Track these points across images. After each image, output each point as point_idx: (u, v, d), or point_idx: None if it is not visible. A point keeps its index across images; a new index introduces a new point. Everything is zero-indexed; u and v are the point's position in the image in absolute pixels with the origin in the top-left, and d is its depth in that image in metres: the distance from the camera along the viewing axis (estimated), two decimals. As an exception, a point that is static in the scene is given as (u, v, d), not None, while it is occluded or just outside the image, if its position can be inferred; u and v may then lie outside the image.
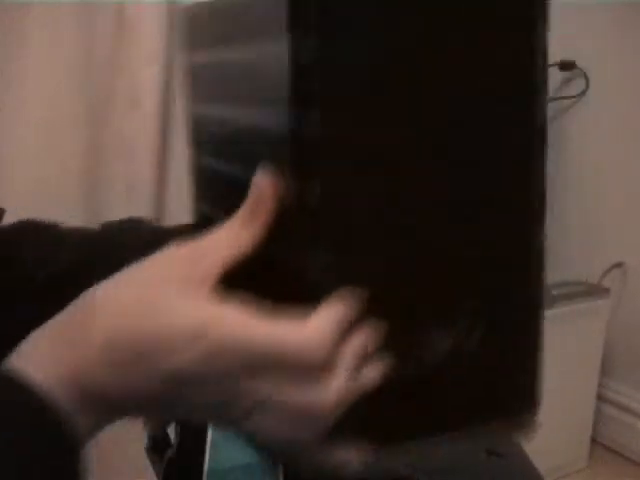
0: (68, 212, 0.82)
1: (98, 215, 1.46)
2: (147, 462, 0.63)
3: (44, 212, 0.58)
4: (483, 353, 0.42)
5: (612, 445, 1.55)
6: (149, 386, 0.35)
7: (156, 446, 0.65)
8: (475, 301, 0.42)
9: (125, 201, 1.56)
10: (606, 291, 1.47)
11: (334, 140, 0.37)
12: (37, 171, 1.39)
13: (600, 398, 1.52)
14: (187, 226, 0.56)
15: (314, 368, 0.36)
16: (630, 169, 1.54)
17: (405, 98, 0.38)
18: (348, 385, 0.37)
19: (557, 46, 1.78)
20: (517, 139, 0.41)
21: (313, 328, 0.36)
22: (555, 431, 1.41)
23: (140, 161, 1.52)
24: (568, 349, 1.38)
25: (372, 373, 0.38)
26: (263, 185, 0.38)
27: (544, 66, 0.40)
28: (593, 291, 1.46)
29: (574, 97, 1.62)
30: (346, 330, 0.37)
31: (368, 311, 0.38)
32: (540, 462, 0.60)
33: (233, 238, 0.38)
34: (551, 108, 1.65)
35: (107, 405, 0.35)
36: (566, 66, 1.60)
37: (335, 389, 0.36)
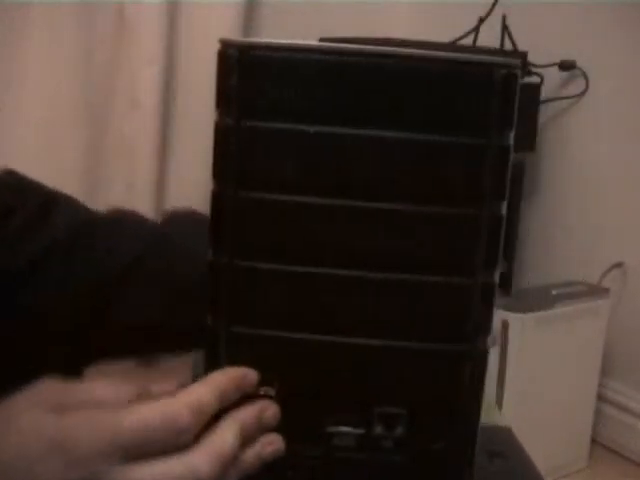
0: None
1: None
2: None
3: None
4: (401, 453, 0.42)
5: (612, 445, 1.55)
6: None
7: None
8: (395, 407, 0.42)
9: (125, 201, 1.56)
10: (606, 291, 1.47)
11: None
12: (37, 171, 1.39)
13: (600, 398, 1.52)
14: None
15: (182, 433, 0.35)
16: (630, 169, 1.54)
17: None
18: (228, 454, 0.36)
19: (557, 46, 1.76)
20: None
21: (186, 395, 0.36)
22: (555, 431, 1.41)
23: (140, 161, 1.52)
24: (568, 349, 1.38)
25: (267, 448, 0.39)
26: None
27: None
28: (593, 291, 1.45)
29: (574, 97, 1.62)
30: (226, 400, 0.37)
31: (280, 391, 0.40)
32: (540, 462, 0.60)
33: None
34: (551, 108, 1.64)
35: None
36: (566, 66, 1.59)
37: (207, 456, 0.36)
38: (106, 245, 0.55)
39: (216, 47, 0.40)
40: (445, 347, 0.41)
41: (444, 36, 1.59)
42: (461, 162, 0.40)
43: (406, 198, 0.39)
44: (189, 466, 0.35)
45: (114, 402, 0.37)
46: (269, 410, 0.39)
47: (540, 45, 1.59)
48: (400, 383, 0.42)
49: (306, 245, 0.40)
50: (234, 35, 1.55)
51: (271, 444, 0.39)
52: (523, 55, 1.54)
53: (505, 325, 1.30)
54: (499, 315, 1.29)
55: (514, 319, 1.31)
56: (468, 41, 1.56)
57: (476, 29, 1.57)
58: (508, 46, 1.58)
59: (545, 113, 1.63)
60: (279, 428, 0.40)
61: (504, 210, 0.40)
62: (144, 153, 1.51)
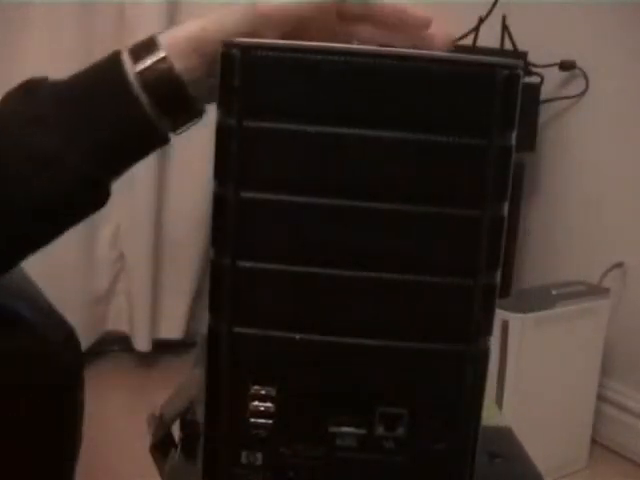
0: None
1: (98, 215, 1.45)
2: (150, 462, 0.63)
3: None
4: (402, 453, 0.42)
5: (612, 445, 1.55)
6: None
7: (160, 445, 0.65)
8: (397, 407, 0.42)
9: (125, 201, 1.56)
10: (606, 291, 1.47)
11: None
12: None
13: (600, 398, 1.52)
14: None
15: None
16: (630, 169, 1.54)
17: None
18: None
19: (557, 46, 1.76)
20: None
21: None
22: (555, 431, 1.41)
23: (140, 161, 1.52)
24: (568, 349, 1.38)
25: None
26: None
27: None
28: (593, 291, 1.45)
29: (574, 97, 1.62)
30: None
31: (281, 392, 0.41)
32: (540, 462, 0.60)
33: None
34: (551, 108, 1.65)
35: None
36: (566, 66, 1.60)
37: None
38: None
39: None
40: (446, 347, 0.41)
41: (444, 36, 1.59)
42: (462, 163, 0.40)
43: (408, 198, 0.40)
44: None
45: None
46: None
47: (540, 45, 1.59)
48: (401, 383, 0.42)
49: (307, 245, 0.40)
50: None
51: None
52: (523, 55, 1.54)
53: (505, 325, 1.30)
54: (499, 315, 1.29)
55: (514, 319, 1.31)
56: (468, 41, 1.56)
57: (476, 29, 1.57)
58: (508, 46, 1.58)
59: (545, 113, 1.63)
60: (281, 428, 0.41)
61: (506, 211, 0.40)
62: (144, 153, 1.51)
